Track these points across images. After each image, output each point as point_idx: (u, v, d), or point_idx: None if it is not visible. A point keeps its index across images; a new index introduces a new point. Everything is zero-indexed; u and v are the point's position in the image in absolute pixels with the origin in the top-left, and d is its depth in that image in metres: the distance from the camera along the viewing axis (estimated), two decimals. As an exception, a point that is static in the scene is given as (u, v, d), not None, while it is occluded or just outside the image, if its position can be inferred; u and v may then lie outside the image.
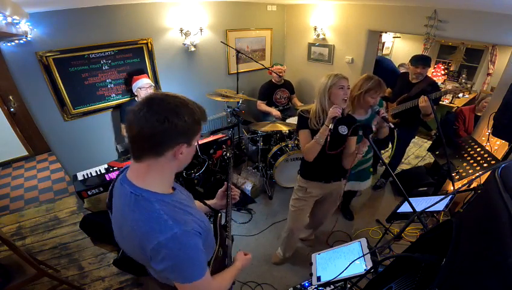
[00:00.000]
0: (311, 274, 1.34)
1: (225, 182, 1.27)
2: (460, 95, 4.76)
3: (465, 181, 2.06)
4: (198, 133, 0.84)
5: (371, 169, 2.34)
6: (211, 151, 2.74)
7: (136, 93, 2.70)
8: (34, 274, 1.81)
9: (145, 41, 2.90)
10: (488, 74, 4.67)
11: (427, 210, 1.10)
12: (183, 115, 0.75)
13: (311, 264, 1.40)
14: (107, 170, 2.27)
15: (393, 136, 2.89)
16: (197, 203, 1.17)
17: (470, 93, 4.86)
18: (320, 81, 1.67)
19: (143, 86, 2.62)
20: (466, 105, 4.50)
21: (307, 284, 2.01)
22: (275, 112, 3.45)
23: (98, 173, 2.23)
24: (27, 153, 4.16)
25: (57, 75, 2.50)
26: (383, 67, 3.60)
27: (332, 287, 1.79)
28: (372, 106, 1.88)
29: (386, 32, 4.93)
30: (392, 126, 1.77)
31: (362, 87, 1.88)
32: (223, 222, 1.25)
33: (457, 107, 4.48)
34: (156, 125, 0.72)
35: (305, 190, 1.91)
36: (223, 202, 1.26)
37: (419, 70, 2.48)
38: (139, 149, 0.77)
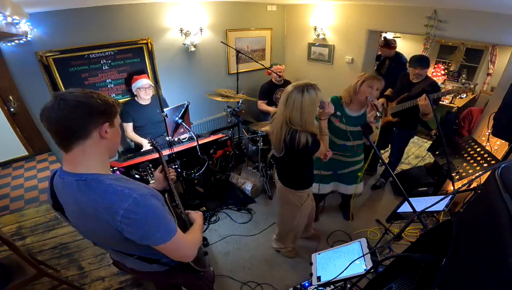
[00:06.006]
0: (311, 274, 1.34)
1: (160, 165, 1.31)
2: (464, 95, 4.75)
3: (465, 181, 2.07)
4: (117, 114, 0.90)
5: (360, 174, 2.27)
6: (211, 151, 2.74)
7: (135, 93, 2.70)
8: (34, 274, 1.81)
9: (145, 41, 2.90)
10: (488, 74, 4.66)
11: (427, 210, 1.11)
12: (95, 97, 0.82)
13: (311, 264, 1.40)
14: (107, 170, 2.26)
15: (391, 133, 2.90)
16: None
17: (473, 93, 4.85)
18: (307, 100, 1.54)
19: (142, 86, 2.62)
20: (466, 105, 4.52)
21: (307, 284, 2.01)
22: (274, 110, 3.45)
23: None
24: (27, 153, 4.16)
25: (57, 75, 2.50)
26: (401, 62, 3.60)
27: (332, 287, 1.79)
28: (369, 97, 1.92)
29: (386, 32, 4.92)
30: (379, 115, 1.86)
31: (359, 78, 1.98)
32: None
33: (457, 107, 4.48)
34: (73, 111, 0.77)
35: (307, 195, 1.97)
36: (164, 183, 1.30)
37: (418, 71, 2.49)
38: (66, 138, 0.81)
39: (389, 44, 3.53)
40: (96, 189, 0.82)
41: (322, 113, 1.71)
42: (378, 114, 1.88)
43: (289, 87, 1.59)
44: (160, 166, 1.31)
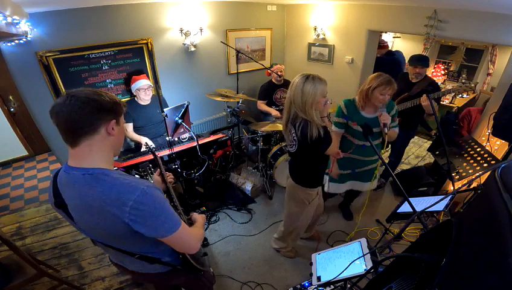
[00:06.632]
0: (311, 274, 1.34)
1: (158, 169, 1.34)
2: (465, 95, 4.75)
3: (465, 181, 2.07)
4: (123, 113, 0.93)
5: (376, 171, 2.33)
6: (211, 151, 2.74)
7: (135, 94, 2.70)
8: (34, 274, 1.81)
9: (145, 41, 2.90)
10: (488, 74, 4.66)
11: (427, 210, 1.11)
12: (104, 95, 0.86)
13: (311, 264, 1.40)
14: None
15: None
16: None
17: (473, 92, 4.84)
18: (307, 92, 1.57)
19: (142, 87, 2.62)
20: (466, 105, 4.51)
21: (307, 284, 2.01)
22: (274, 112, 3.45)
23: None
24: (27, 153, 4.16)
25: (57, 75, 2.50)
26: (393, 60, 3.61)
27: (332, 287, 1.79)
28: (382, 103, 1.93)
29: (386, 32, 4.92)
30: (386, 131, 1.88)
31: (371, 83, 1.94)
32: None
33: (457, 107, 4.48)
34: (83, 106, 0.80)
35: (316, 193, 2.00)
36: (162, 185, 1.33)
37: (418, 70, 2.49)
38: (74, 133, 0.83)
39: (379, 44, 3.55)
40: (104, 182, 0.84)
41: (324, 110, 1.72)
42: (386, 130, 1.89)
43: (297, 76, 1.63)
44: (158, 169, 1.33)
